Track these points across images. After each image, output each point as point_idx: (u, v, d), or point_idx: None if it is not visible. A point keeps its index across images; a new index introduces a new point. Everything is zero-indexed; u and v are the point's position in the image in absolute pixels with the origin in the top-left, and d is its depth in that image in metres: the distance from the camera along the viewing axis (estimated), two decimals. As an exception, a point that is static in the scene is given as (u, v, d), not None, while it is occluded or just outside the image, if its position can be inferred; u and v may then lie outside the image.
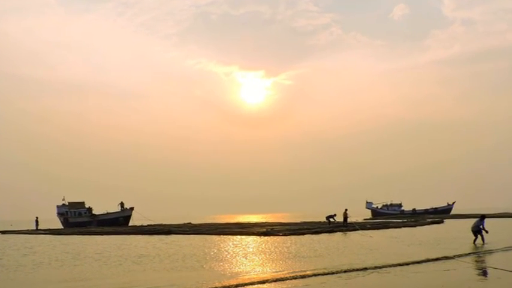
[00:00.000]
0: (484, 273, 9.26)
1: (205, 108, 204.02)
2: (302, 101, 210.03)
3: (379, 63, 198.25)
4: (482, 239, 16.16)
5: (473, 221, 17.88)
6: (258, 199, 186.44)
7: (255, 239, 23.85)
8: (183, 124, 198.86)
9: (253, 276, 9.19)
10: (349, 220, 31.17)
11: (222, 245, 18.97)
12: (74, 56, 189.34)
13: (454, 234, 21.90)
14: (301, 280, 8.53)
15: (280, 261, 11.81)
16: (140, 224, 42.61)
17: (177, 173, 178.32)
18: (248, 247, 17.69)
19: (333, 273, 9.24)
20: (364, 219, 49.80)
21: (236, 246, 18.15)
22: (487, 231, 16.26)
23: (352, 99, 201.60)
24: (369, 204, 70.97)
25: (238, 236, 26.07)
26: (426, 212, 65.99)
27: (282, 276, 8.93)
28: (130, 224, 44.91)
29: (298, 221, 46.71)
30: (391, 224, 34.35)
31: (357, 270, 9.66)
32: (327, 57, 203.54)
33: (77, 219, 44.73)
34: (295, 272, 9.52)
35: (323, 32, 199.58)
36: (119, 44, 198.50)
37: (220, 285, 7.94)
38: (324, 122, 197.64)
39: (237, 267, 10.77)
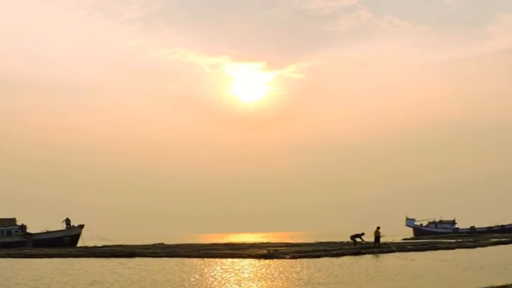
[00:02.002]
0: None
1: (182, 107, 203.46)
2: (316, 98, 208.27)
3: (424, 54, 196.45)
4: None
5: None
6: (255, 215, 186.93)
7: (253, 262, 24.13)
8: (153, 126, 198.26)
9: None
10: (382, 240, 32.49)
11: (206, 270, 19.22)
12: (1, 43, 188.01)
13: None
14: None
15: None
16: (93, 245, 42.88)
17: (145, 184, 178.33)
18: (243, 272, 17.91)
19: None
20: (404, 239, 50.75)
21: (226, 271, 18.40)
22: None
23: (386, 96, 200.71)
24: (410, 222, 71.54)
25: (229, 259, 26.34)
26: (489, 230, 66.42)
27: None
28: (79, 244, 45.16)
29: (311, 241, 47.48)
30: (440, 245, 35.63)
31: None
32: (350, 46, 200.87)
33: (5, 239, 44.99)
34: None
35: (346, 15, 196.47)
36: (65, 30, 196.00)
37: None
38: (345, 124, 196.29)
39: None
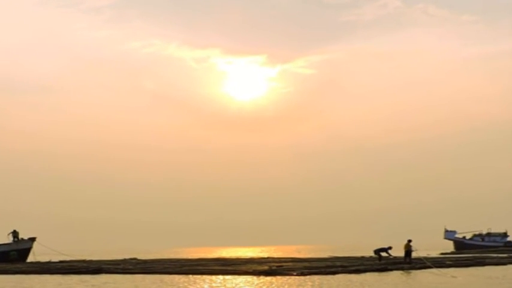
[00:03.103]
0: None
1: (161, 106, 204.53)
2: (330, 96, 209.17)
3: (467, 46, 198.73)
4: None
5: None
6: (252, 227, 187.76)
7: (250, 280, 24.32)
8: (123, 127, 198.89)
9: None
10: (414, 255, 33.32)
11: (190, 288, 19.36)
12: None
13: None
14: None
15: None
16: (48, 260, 43.20)
17: (112, 192, 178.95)
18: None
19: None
20: (442, 254, 51.84)
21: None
22: None
23: (417, 94, 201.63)
24: (450, 234, 72.50)
25: (220, 276, 26.50)
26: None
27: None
28: (30, 260, 45.42)
29: (324, 255, 48.09)
30: (488, 260, 36.32)
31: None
32: (374, 38, 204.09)
33: None
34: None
35: (370, 3, 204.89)
36: (13, 20, 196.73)
37: None
38: (366, 125, 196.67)
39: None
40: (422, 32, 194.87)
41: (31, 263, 42.68)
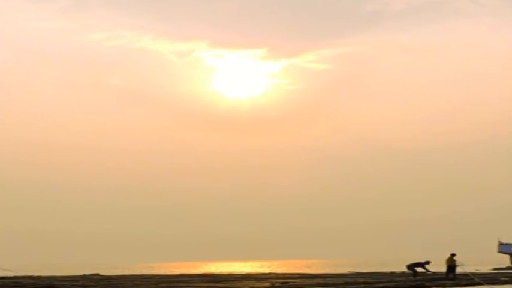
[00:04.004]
0: None
1: (131, 105, 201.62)
2: (351, 94, 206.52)
3: None
4: None
5: None
6: (248, 239, 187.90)
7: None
8: (82, 129, 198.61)
9: None
10: (459, 270, 34.99)
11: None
12: None
13: None
14: None
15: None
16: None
17: (64, 200, 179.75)
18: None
19: None
20: (495, 269, 52.89)
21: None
22: None
23: (465, 92, 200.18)
24: (506, 247, 72.23)
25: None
26: None
27: None
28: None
29: (342, 271, 48.96)
30: None
31: None
32: (406, 30, 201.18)
33: None
34: None
35: None
36: None
37: None
38: (397, 126, 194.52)
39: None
40: (469, 23, 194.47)
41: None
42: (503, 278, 33.95)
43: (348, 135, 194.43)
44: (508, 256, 72.04)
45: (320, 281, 31.85)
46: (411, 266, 36.41)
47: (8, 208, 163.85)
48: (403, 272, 39.34)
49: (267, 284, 29.09)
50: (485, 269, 50.02)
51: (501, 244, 71.60)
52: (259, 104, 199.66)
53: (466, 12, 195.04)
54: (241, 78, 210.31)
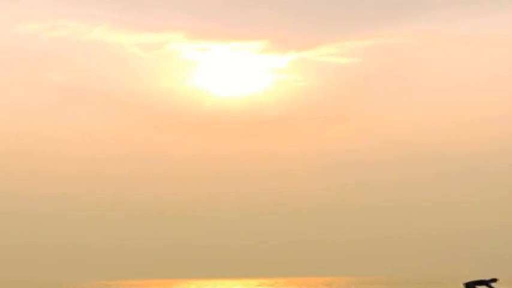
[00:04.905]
0: None
1: (80, 103, 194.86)
2: (385, 91, 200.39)
3: None
4: None
5: None
6: (245, 253, 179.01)
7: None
8: (15, 130, 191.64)
9: None
10: None
11: None
12: None
13: None
14: None
15: None
16: None
17: (7, 210, 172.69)
18: None
19: None
20: None
21: None
22: None
23: None
24: None
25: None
26: None
27: None
28: None
29: None
30: None
31: None
32: (455, 20, 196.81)
33: None
34: None
35: None
36: None
37: None
38: (448, 127, 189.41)
39: None
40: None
41: None
42: None
43: (381, 136, 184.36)
44: None
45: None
46: (471, 285, 35.83)
47: None
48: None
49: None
50: None
51: None
52: (257, 103, 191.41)
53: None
54: (232, 73, 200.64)
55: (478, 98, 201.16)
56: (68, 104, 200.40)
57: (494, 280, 35.28)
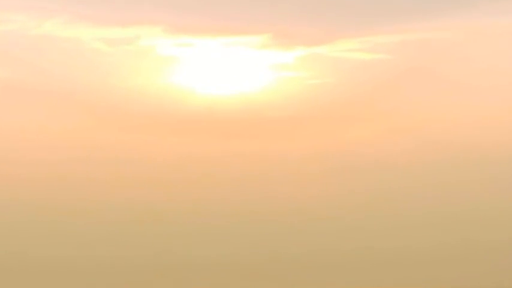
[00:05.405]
0: None
1: (27, 102, 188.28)
2: (421, 89, 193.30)
3: None
4: None
5: None
6: (238, 263, 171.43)
7: None
8: None
9: None
10: None
11: None
12: None
13: None
14: None
15: None
16: None
17: None
18: None
19: None
20: None
21: None
22: None
23: None
24: None
25: None
26: None
27: None
28: None
29: None
30: None
31: None
32: (500, 14, 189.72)
33: None
34: None
35: None
36: None
37: None
38: (494, 127, 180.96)
39: None
40: None
41: None
42: None
43: (418, 137, 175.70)
44: None
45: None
46: None
47: None
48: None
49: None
50: None
51: None
52: (255, 102, 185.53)
53: None
54: (224, 70, 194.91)
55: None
56: (17, 104, 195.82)
57: None
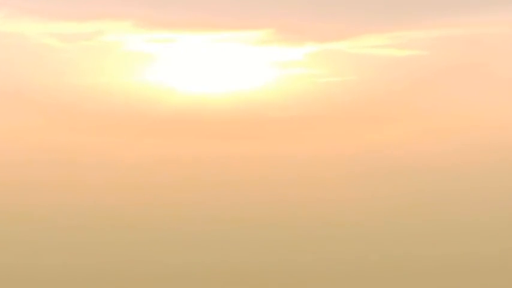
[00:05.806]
0: None
1: None
2: (462, 87, 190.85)
3: None
4: None
5: None
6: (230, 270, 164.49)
7: None
8: None
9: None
10: None
11: None
12: None
13: None
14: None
15: None
16: None
17: None
18: None
19: None
20: None
21: None
22: None
23: None
24: None
25: None
26: None
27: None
28: None
29: None
30: None
31: None
32: None
33: None
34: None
35: None
36: None
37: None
38: None
39: None
40: None
41: None
42: None
43: (460, 139, 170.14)
44: None
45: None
46: None
47: None
48: None
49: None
50: None
51: None
52: (254, 101, 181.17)
53: None
54: (211, 68, 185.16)
55: None
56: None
57: None
